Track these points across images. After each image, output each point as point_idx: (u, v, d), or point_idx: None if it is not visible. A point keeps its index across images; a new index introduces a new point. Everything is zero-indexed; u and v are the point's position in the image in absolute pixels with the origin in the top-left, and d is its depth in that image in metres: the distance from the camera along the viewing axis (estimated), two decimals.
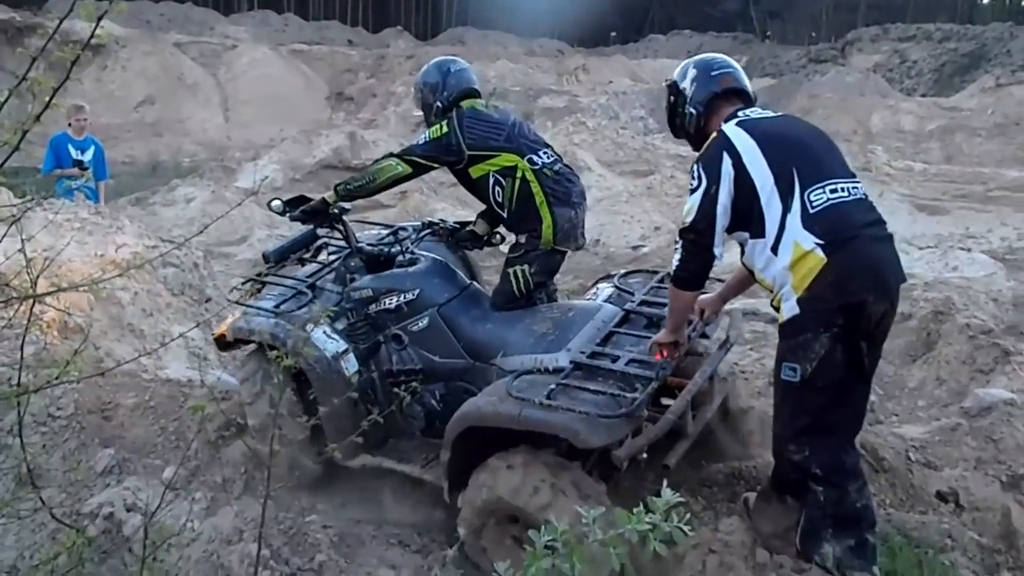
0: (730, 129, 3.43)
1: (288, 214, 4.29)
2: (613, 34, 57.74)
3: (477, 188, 4.36)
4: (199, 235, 3.31)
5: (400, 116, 28.95)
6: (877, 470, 4.37)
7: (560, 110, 25.30)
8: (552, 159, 4.32)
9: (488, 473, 3.60)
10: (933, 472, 4.50)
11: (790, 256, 3.22)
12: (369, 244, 4.54)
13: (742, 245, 3.47)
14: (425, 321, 4.17)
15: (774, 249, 3.27)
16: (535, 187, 4.20)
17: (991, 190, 15.57)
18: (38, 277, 2.79)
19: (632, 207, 14.10)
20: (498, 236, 4.72)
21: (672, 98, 3.70)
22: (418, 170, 4.27)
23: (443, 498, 3.80)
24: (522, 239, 4.30)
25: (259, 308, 4.24)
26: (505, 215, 4.33)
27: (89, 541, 3.09)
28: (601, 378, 3.61)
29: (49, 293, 2.83)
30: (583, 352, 3.80)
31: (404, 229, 4.69)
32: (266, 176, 14.41)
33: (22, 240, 2.83)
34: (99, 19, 1.84)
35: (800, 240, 3.21)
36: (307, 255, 4.66)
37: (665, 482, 2.03)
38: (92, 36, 1.89)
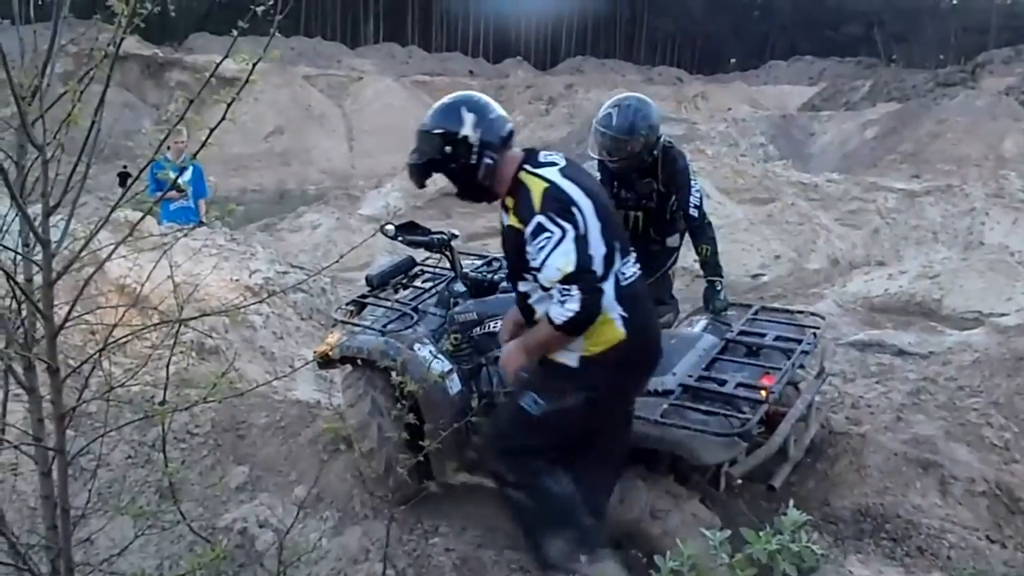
0: (555, 176, 3.21)
1: (400, 238, 4.45)
2: (732, 61, 57.12)
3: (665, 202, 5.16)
4: (334, 264, 3.46)
5: (519, 144, 29.26)
6: (1013, 511, 4.18)
7: (679, 138, 24.99)
8: None
9: None
10: None
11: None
12: (472, 271, 4.66)
13: (525, 292, 3.33)
14: None
15: None
16: None
17: None
18: (185, 303, 2.97)
19: (752, 235, 13.84)
20: None
21: (448, 149, 3.29)
22: None
23: None
24: (675, 242, 5.31)
25: (369, 328, 4.36)
26: (668, 218, 5.21)
27: (226, 555, 3.23)
28: (710, 400, 3.68)
29: (195, 317, 3.00)
30: (690, 376, 3.87)
31: (498, 260, 4.79)
32: (393, 205, 14.78)
33: (171, 267, 3.04)
34: (254, 64, 1.97)
35: (607, 309, 3.14)
36: (404, 280, 4.84)
37: (792, 502, 2.00)
38: (247, 81, 2.03)
